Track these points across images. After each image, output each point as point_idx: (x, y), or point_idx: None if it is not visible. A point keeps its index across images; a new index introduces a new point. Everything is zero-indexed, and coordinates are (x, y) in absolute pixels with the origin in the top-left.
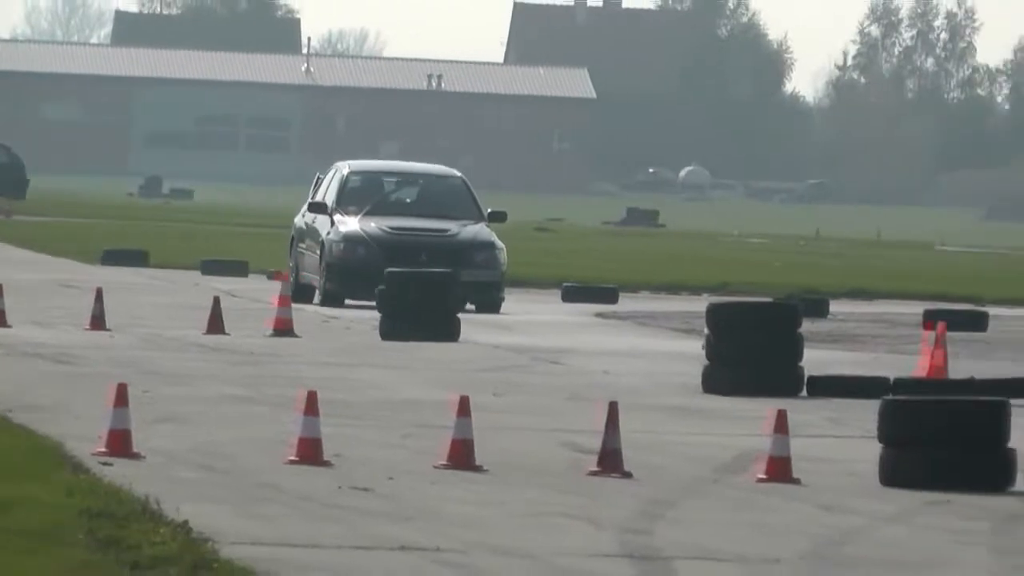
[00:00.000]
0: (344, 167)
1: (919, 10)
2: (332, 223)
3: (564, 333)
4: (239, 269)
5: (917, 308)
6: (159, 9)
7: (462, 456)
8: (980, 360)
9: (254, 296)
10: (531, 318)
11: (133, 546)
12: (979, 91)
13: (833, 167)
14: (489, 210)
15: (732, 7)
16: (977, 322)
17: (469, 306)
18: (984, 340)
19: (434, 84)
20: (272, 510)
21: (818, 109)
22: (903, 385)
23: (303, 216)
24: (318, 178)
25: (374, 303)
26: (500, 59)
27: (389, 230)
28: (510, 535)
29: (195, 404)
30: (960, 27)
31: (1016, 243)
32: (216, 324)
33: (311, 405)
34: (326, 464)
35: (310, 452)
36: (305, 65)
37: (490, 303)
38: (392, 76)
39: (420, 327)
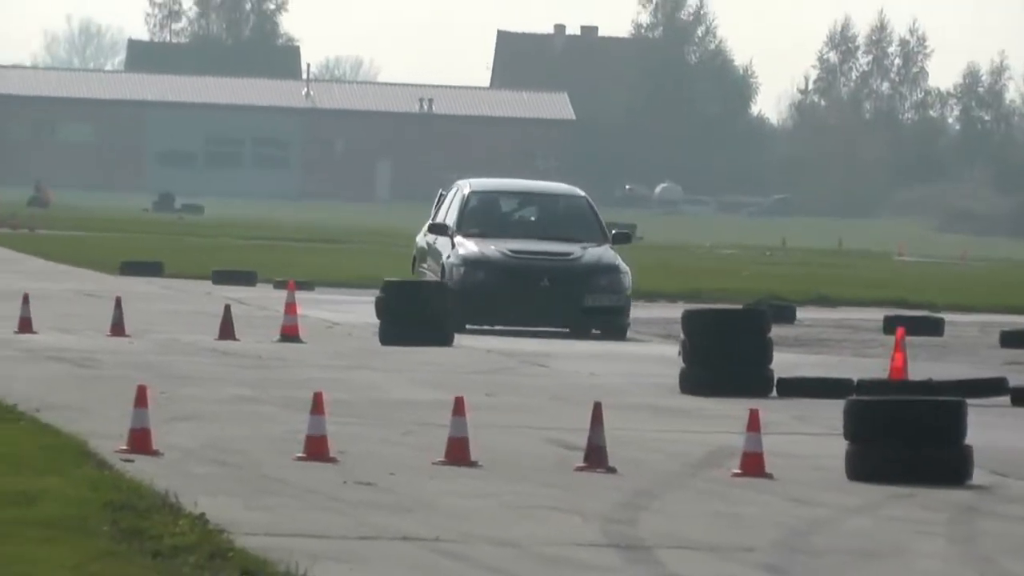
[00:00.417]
0: (465, 186)
1: (874, 37)
2: (453, 245)
3: (550, 338)
4: (248, 279)
5: (878, 314)
6: (169, 38)
7: (458, 453)
8: (937, 362)
9: (262, 304)
10: None
11: (154, 536)
12: (931, 113)
13: (796, 183)
14: (614, 231)
15: (700, 35)
16: (934, 327)
17: (595, 331)
18: (941, 344)
19: (425, 107)
20: (282, 503)
21: (782, 129)
22: (866, 386)
23: (424, 236)
24: (440, 195)
25: (497, 327)
26: (487, 83)
27: (510, 253)
28: (503, 526)
29: (209, 404)
30: (913, 53)
31: (971, 253)
32: (227, 330)
33: (318, 405)
34: (332, 460)
35: (317, 449)
36: (305, 90)
37: (616, 328)
38: (386, 100)
39: (417, 332)
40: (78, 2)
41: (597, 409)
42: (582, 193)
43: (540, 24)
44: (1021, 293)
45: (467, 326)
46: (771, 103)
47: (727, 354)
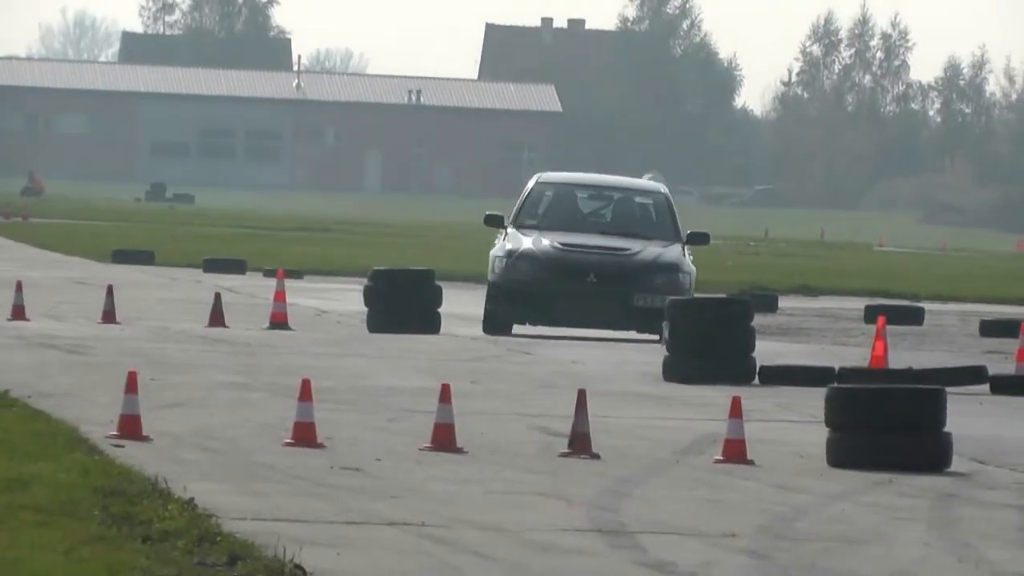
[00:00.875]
0: (535, 178)
1: (857, 31)
2: (505, 237)
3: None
4: (238, 267)
5: (859, 304)
6: (163, 30)
7: (444, 439)
8: (917, 351)
9: (251, 292)
10: None
11: (144, 521)
12: (912, 105)
13: (779, 174)
14: (688, 231)
15: (686, 28)
16: (914, 316)
17: (649, 335)
18: (920, 333)
19: (414, 99)
20: (270, 488)
21: (765, 121)
22: (847, 374)
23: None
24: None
25: (542, 324)
26: (475, 76)
27: (559, 246)
28: (489, 512)
29: (199, 391)
30: (895, 47)
31: (950, 244)
32: (217, 318)
33: (305, 392)
34: (319, 446)
35: (305, 435)
36: (296, 81)
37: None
38: (375, 91)
39: (404, 321)
40: None
41: (581, 396)
42: (663, 190)
43: (528, 17)
44: (1001, 283)
45: (514, 326)
46: (755, 95)
47: (711, 342)
